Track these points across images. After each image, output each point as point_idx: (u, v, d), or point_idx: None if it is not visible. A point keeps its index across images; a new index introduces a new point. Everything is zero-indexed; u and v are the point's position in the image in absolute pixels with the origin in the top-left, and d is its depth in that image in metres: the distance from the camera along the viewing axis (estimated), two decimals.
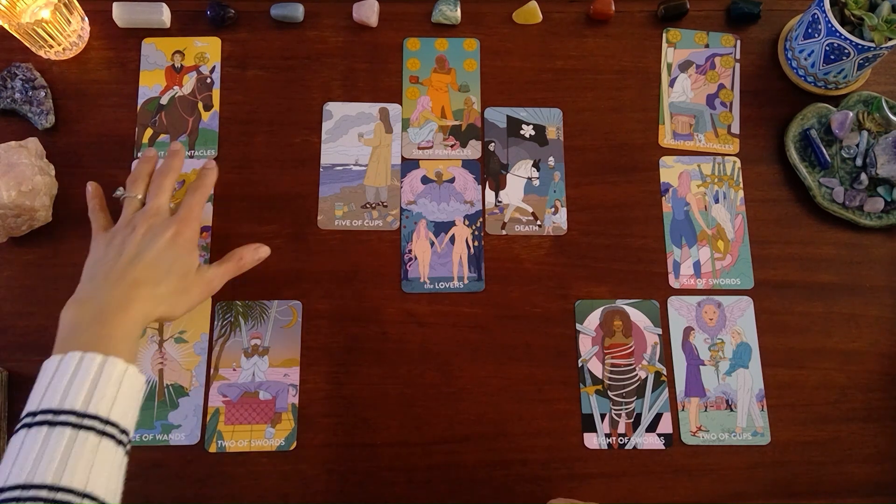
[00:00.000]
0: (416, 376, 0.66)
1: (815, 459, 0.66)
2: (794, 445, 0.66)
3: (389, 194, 0.71)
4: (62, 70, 0.72)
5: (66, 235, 0.68)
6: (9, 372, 0.64)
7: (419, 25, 0.76)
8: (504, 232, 0.70)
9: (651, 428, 0.66)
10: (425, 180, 0.72)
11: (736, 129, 0.75)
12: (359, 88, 0.74)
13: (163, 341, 0.66)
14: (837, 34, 0.67)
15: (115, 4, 0.73)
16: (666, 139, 0.74)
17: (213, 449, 0.63)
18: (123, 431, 0.49)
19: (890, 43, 0.66)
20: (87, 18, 0.73)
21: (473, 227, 0.70)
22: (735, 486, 0.65)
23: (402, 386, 0.66)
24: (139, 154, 0.70)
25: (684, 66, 0.76)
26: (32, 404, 0.48)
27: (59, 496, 0.44)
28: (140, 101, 0.72)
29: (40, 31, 0.67)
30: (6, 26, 0.67)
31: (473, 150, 0.73)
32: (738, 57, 0.77)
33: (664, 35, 0.77)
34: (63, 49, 0.71)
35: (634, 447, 0.65)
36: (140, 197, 0.62)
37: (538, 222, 0.71)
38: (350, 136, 0.72)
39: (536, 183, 0.72)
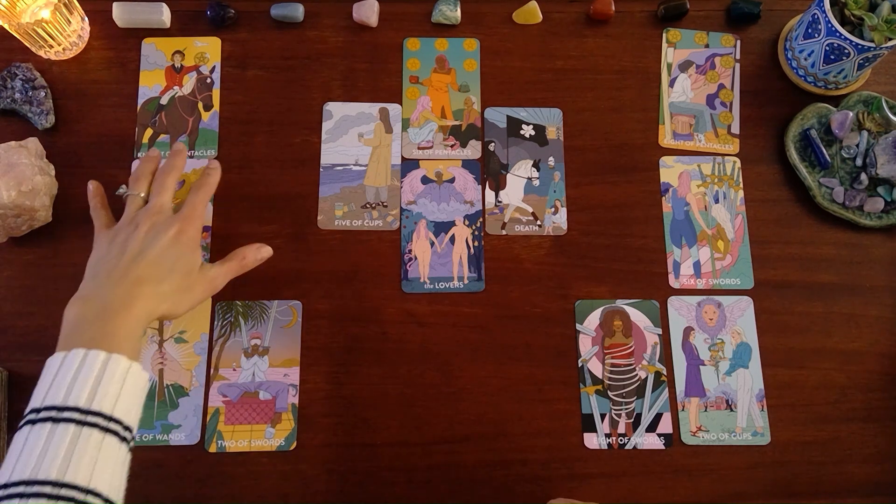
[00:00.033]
0: (416, 376, 0.66)
1: (815, 459, 0.66)
2: (794, 445, 0.66)
3: (389, 194, 0.71)
4: (62, 70, 0.72)
5: (66, 235, 0.68)
6: (9, 372, 0.64)
7: (419, 25, 0.76)
8: (504, 232, 0.70)
9: (651, 428, 0.66)
10: (425, 180, 0.72)
11: (736, 129, 0.75)
12: (359, 88, 0.74)
13: (163, 341, 0.66)
14: (837, 34, 0.67)
15: (115, 4, 0.73)
16: (666, 139, 0.74)
17: (213, 449, 0.63)
18: (127, 428, 0.49)
19: (890, 43, 0.66)
20: (87, 18, 0.73)
21: (473, 227, 0.70)
22: (735, 486, 0.65)
23: (402, 386, 0.66)
24: (139, 155, 0.70)
25: (684, 66, 0.76)
26: (36, 401, 0.48)
27: (63, 492, 0.44)
28: (140, 101, 0.72)
29: (40, 31, 0.67)
30: (6, 26, 0.67)
31: (473, 150, 0.73)
32: (738, 57, 0.77)
33: (664, 35, 0.77)
34: (63, 49, 0.71)
35: (634, 447, 0.65)
36: (143, 195, 0.62)
37: (538, 222, 0.71)
38: (350, 136, 0.72)
39: (536, 183, 0.72)
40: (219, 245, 0.68)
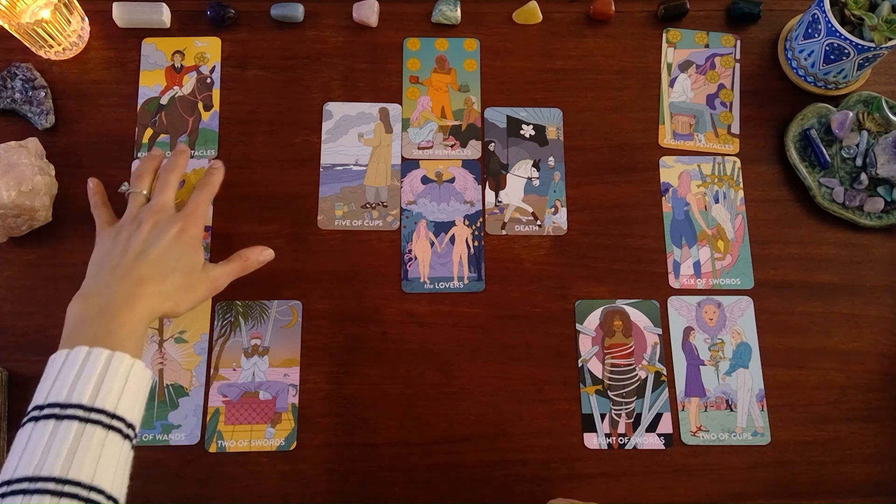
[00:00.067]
0: (416, 376, 0.66)
1: (815, 459, 0.66)
2: (794, 445, 0.66)
3: (389, 194, 0.71)
4: (62, 70, 0.72)
5: (66, 235, 0.68)
6: (9, 372, 0.64)
7: (419, 25, 0.76)
8: (504, 232, 0.70)
9: (651, 428, 0.66)
10: (425, 180, 0.72)
11: (736, 129, 0.75)
12: (359, 88, 0.74)
13: (163, 341, 0.66)
14: (837, 34, 0.67)
15: (115, 4, 0.73)
16: (666, 139, 0.74)
17: (213, 449, 0.63)
18: (130, 426, 0.49)
19: (890, 43, 0.66)
20: (87, 18, 0.73)
21: (473, 227, 0.70)
22: (735, 486, 0.65)
23: (402, 386, 0.66)
24: (139, 155, 0.70)
25: (684, 66, 0.76)
26: (39, 398, 0.48)
27: (67, 489, 0.44)
28: (140, 101, 0.72)
29: (40, 31, 0.67)
30: (6, 26, 0.67)
31: (473, 150, 0.73)
32: (738, 57, 0.77)
33: (664, 35, 0.77)
34: (63, 49, 0.71)
35: (634, 447, 0.65)
36: (145, 192, 0.62)
37: (538, 222, 0.71)
38: (350, 136, 0.72)
39: (536, 183, 0.72)
40: (219, 245, 0.68)
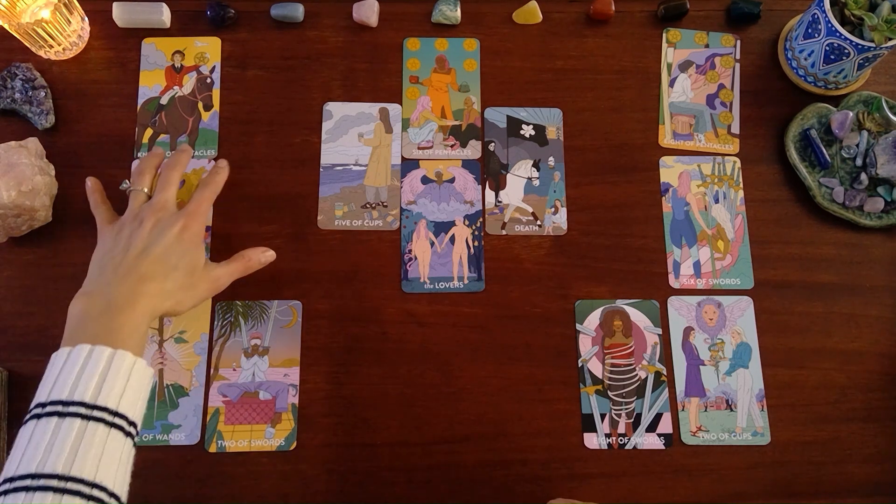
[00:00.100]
0: (416, 376, 0.66)
1: (815, 459, 0.66)
2: (794, 445, 0.66)
3: (389, 194, 0.71)
4: (62, 70, 0.72)
5: (66, 235, 0.68)
6: (9, 372, 0.64)
7: (419, 25, 0.76)
8: (504, 232, 0.70)
9: (651, 428, 0.66)
10: (425, 180, 0.72)
11: (736, 129, 0.75)
12: (359, 88, 0.74)
13: (163, 341, 0.66)
14: (837, 34, 0.67)
15: (115, 4, 0.73)
16: (666, 139, 0.74)
17: (213, 449, 0.63)
18: (132, 423, 0.49)
19: (890, 43, 0.66)
20: (87, 18, 0.73)
21: (473, 227, 0.70)
22: (735, 486, 0.65)
23: (402, 386, 0.66)
24: (139, 155, 0.70)
25: (684, 66, 0.76)
26: (41, 395, 0.48)
27: (70, 486, 0.44)
28: (140, 101, 0.72)
29: (40, 31, 0.67)
30: (6, 26, 0.67)
31: (473, 150, 0.73)
32: (738, 57, 0.77)
33: (664, 35, 0.77)
34: (63, 49, 0.71)
35: (634, 447, 0.65)
36: (146, 190, 0.62)
37: (538, 222, 0.71)
38: (350, 136, 0.72)
39: (536, 183, 0.72)
40: (219, 245, 0.68)
